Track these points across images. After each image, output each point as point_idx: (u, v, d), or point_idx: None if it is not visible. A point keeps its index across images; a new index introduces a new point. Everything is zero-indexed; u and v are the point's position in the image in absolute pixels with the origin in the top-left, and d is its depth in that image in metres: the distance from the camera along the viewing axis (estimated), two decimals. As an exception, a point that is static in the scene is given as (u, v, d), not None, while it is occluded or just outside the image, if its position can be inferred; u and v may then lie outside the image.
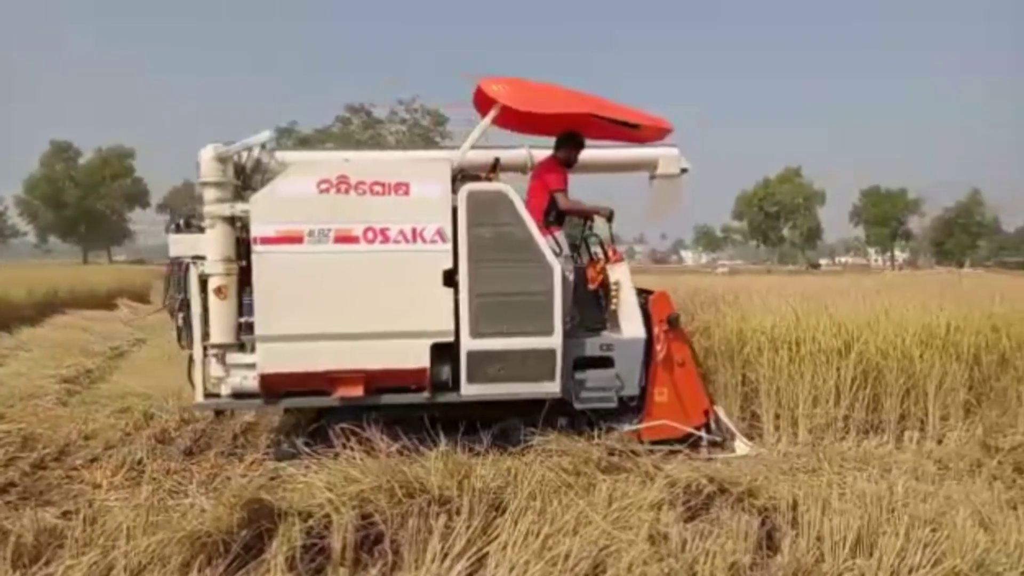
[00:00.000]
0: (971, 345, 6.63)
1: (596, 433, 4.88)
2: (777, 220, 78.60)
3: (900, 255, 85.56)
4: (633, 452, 4.59)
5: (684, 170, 6.32)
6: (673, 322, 5.65)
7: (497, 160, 5.82)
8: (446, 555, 3.31)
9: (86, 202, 70.24)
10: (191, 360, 5.11)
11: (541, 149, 6.07)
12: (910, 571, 3.48)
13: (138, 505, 3.78)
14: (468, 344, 5.05)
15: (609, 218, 5.81)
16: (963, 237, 77.77)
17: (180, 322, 5.16)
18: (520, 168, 6.18)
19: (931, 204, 77.60)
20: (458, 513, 3.60)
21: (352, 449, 4.31)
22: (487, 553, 3.38)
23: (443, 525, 3.49)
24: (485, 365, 5.09)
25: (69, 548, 3.38)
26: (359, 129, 54.62)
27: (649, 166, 6.29)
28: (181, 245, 5.07)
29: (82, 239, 74.50)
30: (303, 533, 3.43)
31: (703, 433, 5.63)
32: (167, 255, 5.15)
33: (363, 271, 4.91)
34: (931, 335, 6.70)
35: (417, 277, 4.97)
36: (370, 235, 4.91)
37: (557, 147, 5.83)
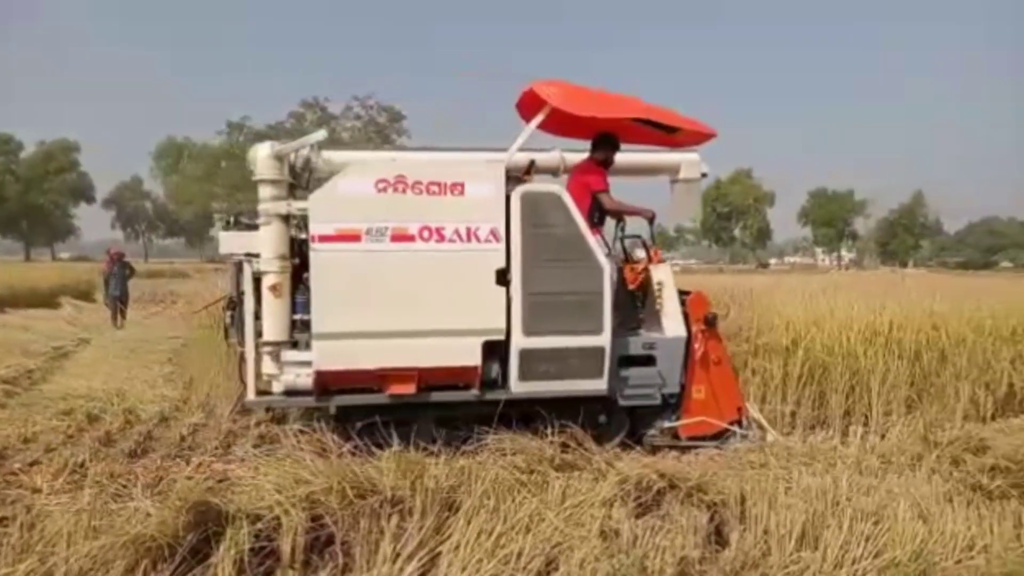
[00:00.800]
0: (912, 343, 6.87)
1: (550, 431, 4.88)
2: (728, 220, 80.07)
3: (846, 255, 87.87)
4: (586, 450, 4.61)
5: (704, 174, 6.49)
6: (711, 321, 5.81)
7: (532, 162, 5.84)
8: (398, 556, 3.28)
9: (28, 197, 67.97)
10: (242, 358, 5.09)
11: (572, 152, 6.17)
12: (853, 563, 3.57)
13: (80, 509, 3.66)
14: (521, 342, 5.14)
15: (651, 220, 5.93)
16: (906, 238, 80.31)
17: (228, 320, 5.20)
18: (552, 171, 6.23)
19: (876, 205, 79.90)
20: (411, 513, 3.57)
21: (303, 450, 4.26)
22: (439, 553, 3.37)
23: (395, 525, 3.45)
24: (536, 363, 5.19)
25: (5, 555, 3.26)
26: (313, 125, 53.89)
27: (672, 170, 6.42)
28: (233, 243, 5.06)
29: (24, 235, 72.09)
30: (251, 536, 3.35)
31: (737, 429, 5.76)
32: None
33: (418, 270, 4.98)
34: (875, 333, 6.92)
35: (471, 276, 5.05)
36: (426, 234, 4.97)
37: (594, 149, 5.92)
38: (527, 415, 5.33)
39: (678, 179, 6.45)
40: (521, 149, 5.50)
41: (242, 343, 5.07)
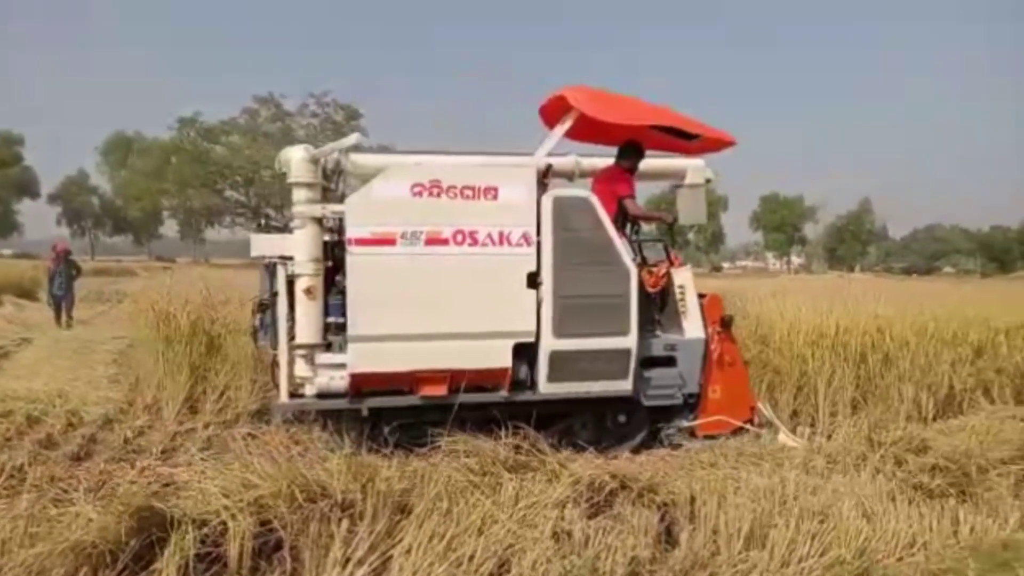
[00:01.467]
0: (858, 345, 7.03)
1: (504, 433, 4.88)
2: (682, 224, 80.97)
3: (796, 259, 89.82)
4: (539, 451, 4.62)
5: (708, 180, 6.63)
6: (727, 323, 6.01)
7: (549, 166, 5.83)
8: (348, 560, 3.24)
9: (-32, 191, 65.53)
10: (274, 361, 5.06)
11: (585, 157, 6.28)
12: (799, 561, 3.65)
13: (17, 515, 3.54)
14: (551, 344, 5.22)
15: (671, 224, 6.11)
16: (854, 244, 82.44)
17: (257, 322, 5.19)
18: (567, 175, 6.29)
19: (825, 211, 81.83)
20: (361, 517, 3.52)
21: (251, 453, 4.18)
22: (391, 557, 3.34)
23: (346, 529, 3.41)
24: (565, 364, 5.28)
25: (-65, 565, 3.13)
26: (267, 121, 53.07)
27: (678, 175, 6.56)
28: (265, 245, 5.06)
29: (-37, 232, 69.43)
30: (197, 542, 3.28)
31: (750, 427, 5.92)
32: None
33: (452, 273, 5.04)
34: (822, 336, 7.06)
35: (503, 279, 5.14)
36: (459, 238, 5.04)
37: (621, 156, 6.04)
38: (551, 415, 5.48)
39: (684, 184, 6.60)
40: (517, 155, 5.56)
41: (275, 346, 5.06)
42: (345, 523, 3.47)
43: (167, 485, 4.36)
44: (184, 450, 5.50)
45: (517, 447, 4.70)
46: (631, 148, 6.02)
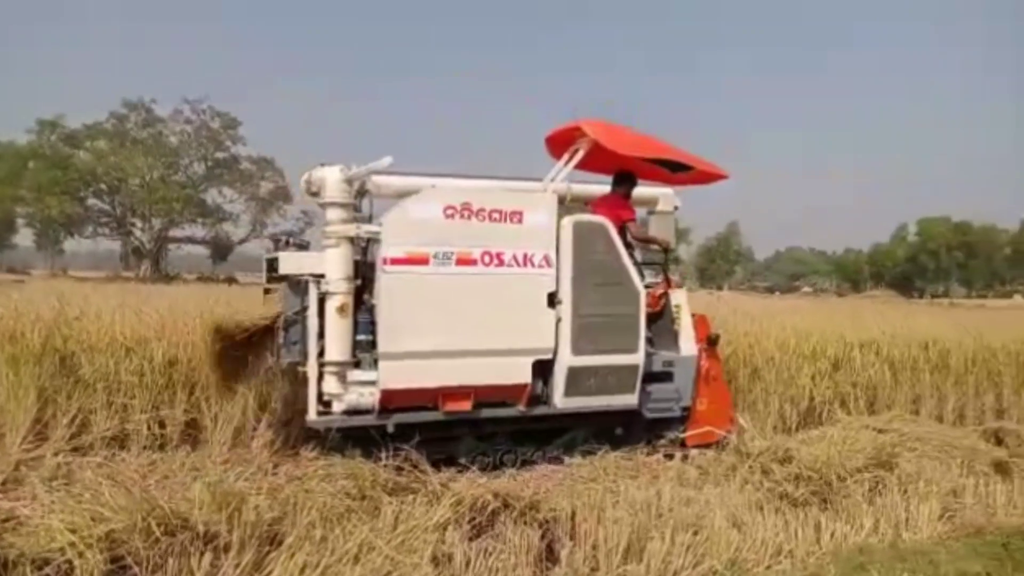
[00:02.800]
0: (728, 360, 7.34)
1: (384, 454, 4.74)
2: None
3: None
4: (420, 471, 4.51)
5: (676, 207, 7.02)
6: (713, 341, 6.41)
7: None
8: (211, 596, 3.02)
9: None
10: (306, 378, 5.05)
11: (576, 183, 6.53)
12: (675, 573, 3.73)
13: None
14: (569, 360, 5.48)
15: (667, 249, 6.50)
16: (722, 263, 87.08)
17: (281, 340, 5.17)
18: (559, 199, 6.21)
19: (696, 233, 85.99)
20: (227, 550, 3.30)
21: (102, 483, 3.83)
22: (259, 590, 3.14)
23: (208, 564, 3.19)
24: (581, 380, 5.54)
25: None
26: (136, 127, 50.23)
27: (651, 203, 6.92)
28: (294, 263, 5.11)
29: None
30: (36, 584, 2.96)
31: (732, 437, 6.16)
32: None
33: (480, 292, 5.23)
34: (696, 351, 7.30)
35: (526, 299, 5.38)
36: (487, 259, 5.24)
37: (618, 183, 6.38)
38: (557, 429, 5.82)
39: (655, 211, 6.98)
40: (521, 179, 5.99)
41: (304, 363, 5.07)
42: (208, 557, 3.25)
43: (6, 521, 3.92)
44: (28, 481, 5.00)
45: (399, 468, 4.57)
46: (627, 176, 6.38)
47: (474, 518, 3.99)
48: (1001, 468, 5.46)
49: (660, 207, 6.96)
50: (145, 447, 5.66)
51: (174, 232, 54.33)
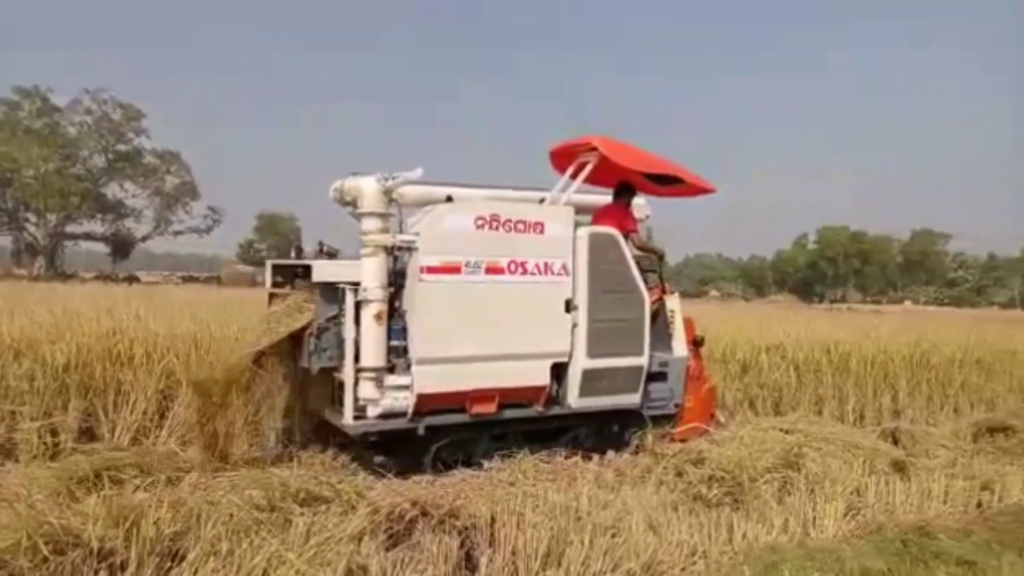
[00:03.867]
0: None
1: (295, 461, 4.57)
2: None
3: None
4: (338, 481, 4.36)
5: (647, 216, 7.36)
6: (699, 343, 6.92)
7: (543, 200, 6.32)
8: (105, 619, 2.81)
9: None
10: (342, 383, 5.16)
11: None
12: (593, 577, 3.72)
13: None
14: (584, 363, 5.84)
15: (661, 257, 6.88)
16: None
17: (312, 346, 5.23)
18: None
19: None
20: (123, 568, 3.09)
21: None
22: (158, 610, 2.94)
23: (103, 584, 2.96)
24: (594, 381, 5.91)
25: None
26: (31, 116, 47.34)
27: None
28: (330, 271, 5.23)
29: None
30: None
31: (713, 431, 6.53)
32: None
33: (506, 299, 5.53)
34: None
35: (546, 305, 5.72)
36: (513, 267, 5.55)
37: (620, 195, 6.77)
38: (564, 428, 6.14)
39: None
40: (518, 188, 6.39)
41: (340, 369, 5.20)
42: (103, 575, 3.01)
43: None
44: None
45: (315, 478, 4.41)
46: (629, 188, 6.80)
47: (391, 527, 3.87)
48: (899, 467, 5.73)
49: (635, 215, 7.25)
50: (35, 456, 5.32)
51: (71, 228, 51.55)
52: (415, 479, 5.26)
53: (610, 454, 6.18)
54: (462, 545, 3.83)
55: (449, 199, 5.89)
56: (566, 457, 5.89)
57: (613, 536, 4.09)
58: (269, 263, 6.12)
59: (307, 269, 5.35)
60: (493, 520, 4.09)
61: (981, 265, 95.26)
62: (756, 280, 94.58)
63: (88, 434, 5.73)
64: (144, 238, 56.32)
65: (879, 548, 4.36)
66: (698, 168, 6.79)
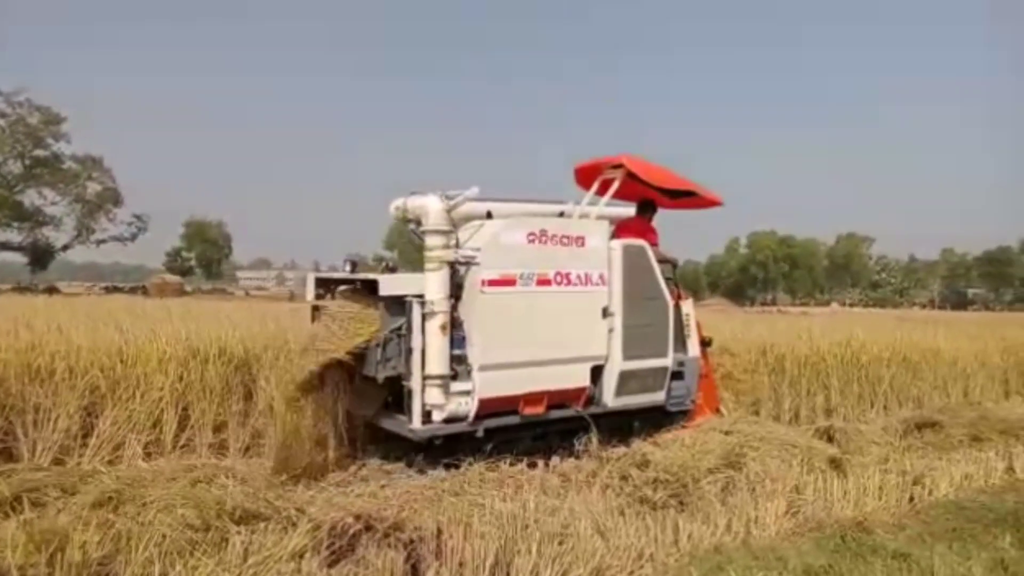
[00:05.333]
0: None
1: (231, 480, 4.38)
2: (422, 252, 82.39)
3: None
4: (270, 499, 4.20)
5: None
6: (707, 344, 7.50)
7: (562, 212, 6.77)
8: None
9: None
10: (410, 391, 5.47)
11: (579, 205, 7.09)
12: (542, 585, 3.67)
13: None
14: (621, 365, 6.36)
15: (675, 265, 7.37)
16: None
17: (379, 356, 5.52)
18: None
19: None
20: (46, 596, 2.89)
21: None
22: (84, 642, 2.76)
23: (22, 615, 2.76)
24: (629, 381, 6.44)
25: None
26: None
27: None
28: (397, 285, 5.56)
29: None
30: None
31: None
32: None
33: (553, 308, 5.99)
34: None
35: (587, 313, 6.21)
36: (559, 278, 6.02)
37: (643, 210, 7.38)
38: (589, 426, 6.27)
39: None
40: (527, 201, 6.72)
41: (407, 378, 5.50)
42: (22, 607, 2.81)
43: None
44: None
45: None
46: (651, 204, 7.40)
47: (333, 543, 3.75)
48: (835, 464, 5.87)
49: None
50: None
51: (-15, 237, 49.03)
52: (357, 492, 5.13)
53: (555, 459, 6.16)
54: (408, 559, 3.73)
55: (489, 215, 6.24)
56: (511, 464, 5.84)
57: (561, 543, 4.04)
58: (311, 275, 6.44)
59: (366, 283, 5.71)
60: (440, 532, 4.01)
61: (903, 267, 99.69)
62: (690, 284, 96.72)
63: (5, 454, 5.41)
64: (64, 247, 54.09)
65: (820, 545, 4.44)
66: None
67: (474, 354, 5.63)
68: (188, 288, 60.57)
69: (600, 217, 6.78)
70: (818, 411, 9.12)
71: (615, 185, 6.81)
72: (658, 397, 6.74)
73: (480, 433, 5.74)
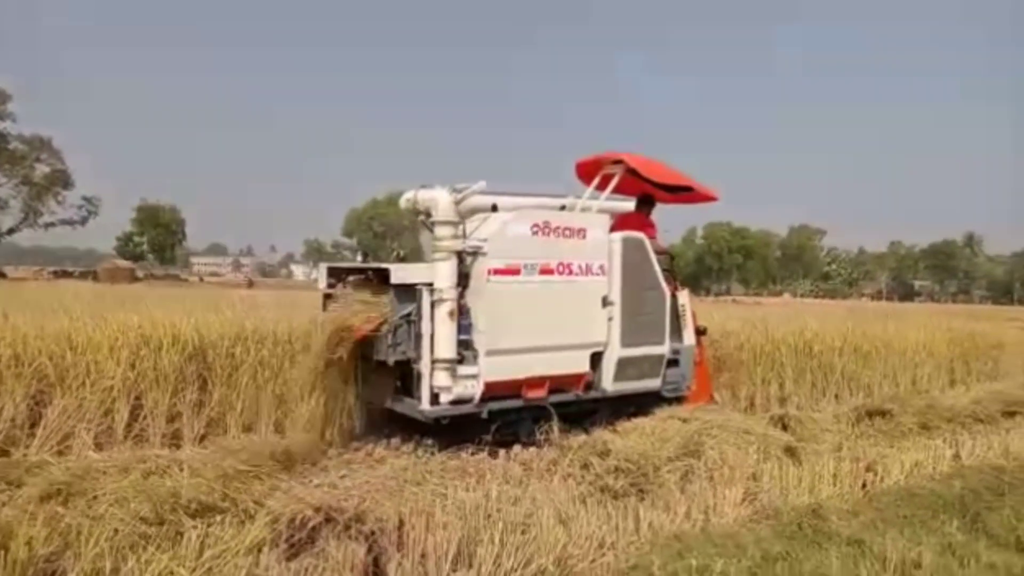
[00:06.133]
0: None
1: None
2: (384, 239, 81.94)
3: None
4: (227, 491, 4.11)
5: None
6: (701, 332, 7.71)
7: (563, 207, 6.95)
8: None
9: None
10: (419, 374, 5.76)
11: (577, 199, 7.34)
12: (505, 575, 3.66)
13: None
14: (619, 352, 6.63)
15: (672, 258, 7.70)
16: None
17: (389, 341, 5.78)
18: None
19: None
20: (-11, 595, 2.78)
21: None
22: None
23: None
24: (627, 368, 6.71)
25: None
26: None
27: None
28: (407, 274, 5.82)
29: None
30: None
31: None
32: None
33: (556, 297, 6.26)
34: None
35: (588, 302, 6.48)
36: (561, 268, 6.28)
37: (642, 205, 7.61)
38: (589, 410, 6.74)
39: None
40: (530, 195, 6.79)
41: (416, 361, 5.78)
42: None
43: None
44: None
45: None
46: (650, 199, 7.62)
47: (292, 536, 3.69)
48: (791, 452, 5.98)
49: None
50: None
51: (-76, 220, 47.15)
52: (317, 483, 5.05)
53: (516, 448, 6.16)
54: (369, 550, 3.69)
55: (494, 208, 6.38)
56: (472, 453, 5.83)
57: (523, 532, 4.03)
58: (323, 266, 6.69)
59: (378, 272, 6.03)
60: (401, 523, 3.97)
61: (852, 259, 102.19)
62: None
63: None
64: (10, 231, 52.36)
65: (776, 532, 4.52)
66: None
67: (480, 340, 5.88)
68: (140, 274, 59.17)
69: (601, 211, 7.01)
70: (772, 400, 9.28)
71: (615, 180, 7.04)
72: (655, 383, 7.02)
73: (485, 415, 6.00)
